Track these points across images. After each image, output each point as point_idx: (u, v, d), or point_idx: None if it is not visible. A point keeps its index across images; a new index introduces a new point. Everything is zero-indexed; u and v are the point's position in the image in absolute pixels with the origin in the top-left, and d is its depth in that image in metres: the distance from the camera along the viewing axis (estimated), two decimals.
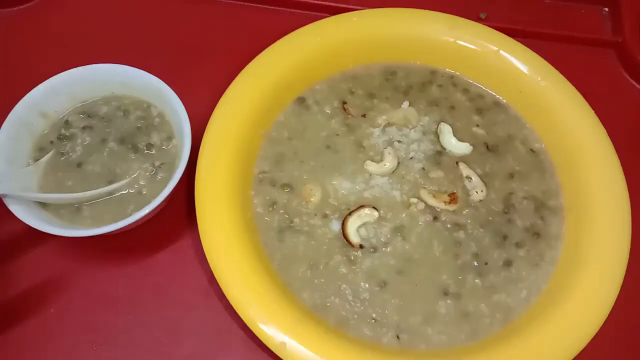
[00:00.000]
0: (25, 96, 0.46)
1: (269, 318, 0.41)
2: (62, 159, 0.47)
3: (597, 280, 0.45)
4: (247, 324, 0.41)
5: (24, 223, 0.41)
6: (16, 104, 0.46)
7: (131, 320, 0.46)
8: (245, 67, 0.51)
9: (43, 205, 0.44)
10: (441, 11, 0.56)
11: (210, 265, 0.43)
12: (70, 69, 0.48)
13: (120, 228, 0.42)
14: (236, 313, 0.43)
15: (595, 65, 0.61)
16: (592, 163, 0.50)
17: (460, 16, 0.56)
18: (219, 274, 0.43)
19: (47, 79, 0.47)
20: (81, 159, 0.47)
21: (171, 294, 0.47)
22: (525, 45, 0.55)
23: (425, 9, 0.56)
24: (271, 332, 0.41)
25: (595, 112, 0.52)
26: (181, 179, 0.44)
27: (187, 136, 0.45)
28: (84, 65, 0.48)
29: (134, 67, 0.48)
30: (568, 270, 0.47)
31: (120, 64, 0.48)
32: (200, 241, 0.47)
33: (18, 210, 0.42)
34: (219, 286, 0.45)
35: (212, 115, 0.49)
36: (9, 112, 0.45)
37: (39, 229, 0.41)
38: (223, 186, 0.46)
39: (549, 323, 0.43)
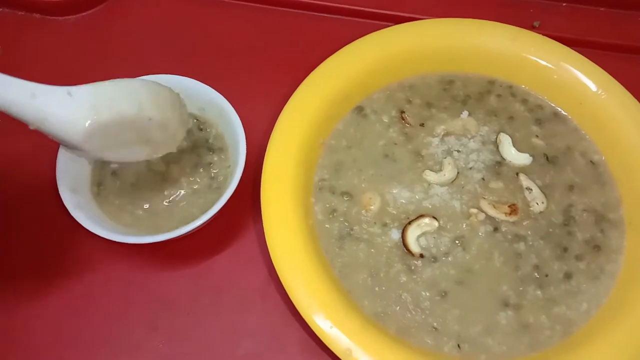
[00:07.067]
0: None
1: (334, 324, 0.42)
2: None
3: None
4: (313, 329, 0.42)
5: (81, 227, 0.42)
6: None
7: (191, 320, 0.47)
8: (307, 78, 0.52)
9: (100, 206, 0.46)
10: (495, 20, 0.56)
11: (277, 272, 0.44)
12: (127, 76, 0.48)
13: (179, 235, 0.43)
14: (294, 315, 0.44)
15: None
16: None
17: (514, 24, 0.56)
18: (285, 280, 0.44)
19: None
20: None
21: (231, 295, 0.48)
22: (580, 54, 0.54)
23: (480, 18, 0.56)
24: (337, 338, 0.41)
25: None
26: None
27: (242, 150, 0.45)
28: (143, 73, 0.49)
29: (193, 76, 0.49)
30: (629, 284, 0.46)
31: (178, 73, 0.49)
32: (259, 245, 0.49)
33: (80, 217, 0.43)
34: (276, 288, 0.47)
35: (275, 125, 0.49)
36: None
37: (100, 235, 0.42)
38: (288, 193, 0.47)
39: (610, 338, 0.43)
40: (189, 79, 0.49)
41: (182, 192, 0.48)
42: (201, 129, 0.50)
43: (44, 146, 0.45)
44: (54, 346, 0.46)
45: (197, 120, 0.50)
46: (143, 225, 0.46)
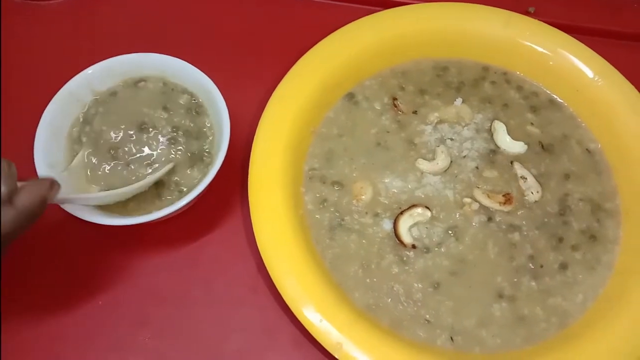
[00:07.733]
0: (79, 74, 0.46)
1: (325, 317, 0.41)
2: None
3: None
4: (303, 323, 0.41)
5: (65, 214, 0.41)
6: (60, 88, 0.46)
7: (179, 314, 0.45)
8: (296, 64, 0.50)
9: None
10: (489, 5, 0.55)
11: (265, 264, 0.43)
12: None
13: (159, 217, 0.42)
14: (284, 309, 0.43)
15: None
16: None
17: (508, 10, 0.55)
18: (273, 272, 0.42)
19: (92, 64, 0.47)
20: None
21: (220, 288, 0.47)
22: (577, 40, 0.53)
23: (474, 2, 0.55)
24: (327, 332, 0.40)
25: None
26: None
27: (226, 131, 0.44)
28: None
29: (182, 58, 0.47)
30: (625, 275, 0.45)
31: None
32: (249, 235, 0.47)
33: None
34: (266, 281, 0.45)
35: (264, 112, 0.48)
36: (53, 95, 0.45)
37: (85, 218, 0.41)
38: (277, 183, 0.45)
39: (607, 330, 0.42)
40: (177, 59, 0.47)
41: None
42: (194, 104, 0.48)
43: (17, 130, 0.45)
44: (46, 343, 0.44)
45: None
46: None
